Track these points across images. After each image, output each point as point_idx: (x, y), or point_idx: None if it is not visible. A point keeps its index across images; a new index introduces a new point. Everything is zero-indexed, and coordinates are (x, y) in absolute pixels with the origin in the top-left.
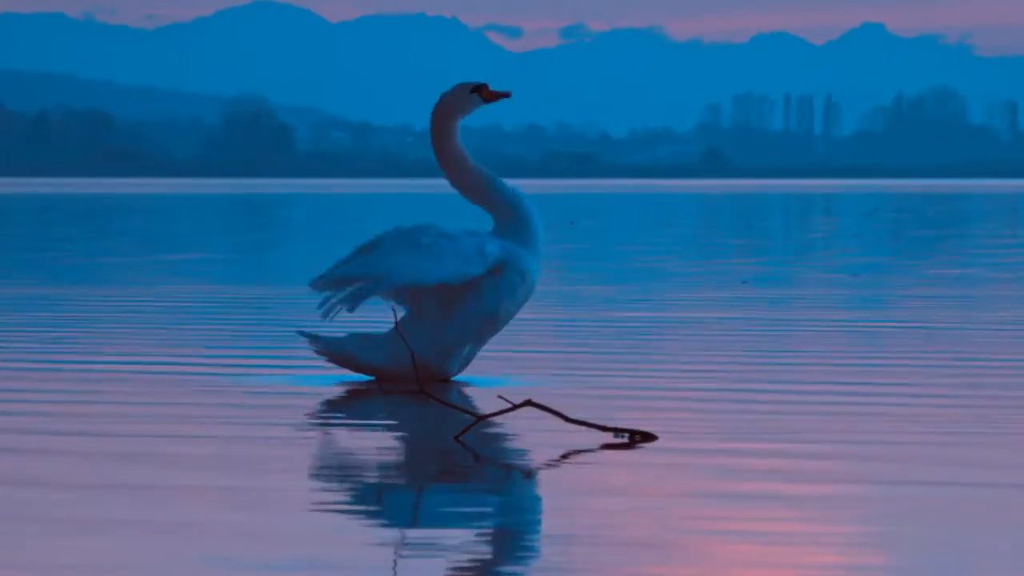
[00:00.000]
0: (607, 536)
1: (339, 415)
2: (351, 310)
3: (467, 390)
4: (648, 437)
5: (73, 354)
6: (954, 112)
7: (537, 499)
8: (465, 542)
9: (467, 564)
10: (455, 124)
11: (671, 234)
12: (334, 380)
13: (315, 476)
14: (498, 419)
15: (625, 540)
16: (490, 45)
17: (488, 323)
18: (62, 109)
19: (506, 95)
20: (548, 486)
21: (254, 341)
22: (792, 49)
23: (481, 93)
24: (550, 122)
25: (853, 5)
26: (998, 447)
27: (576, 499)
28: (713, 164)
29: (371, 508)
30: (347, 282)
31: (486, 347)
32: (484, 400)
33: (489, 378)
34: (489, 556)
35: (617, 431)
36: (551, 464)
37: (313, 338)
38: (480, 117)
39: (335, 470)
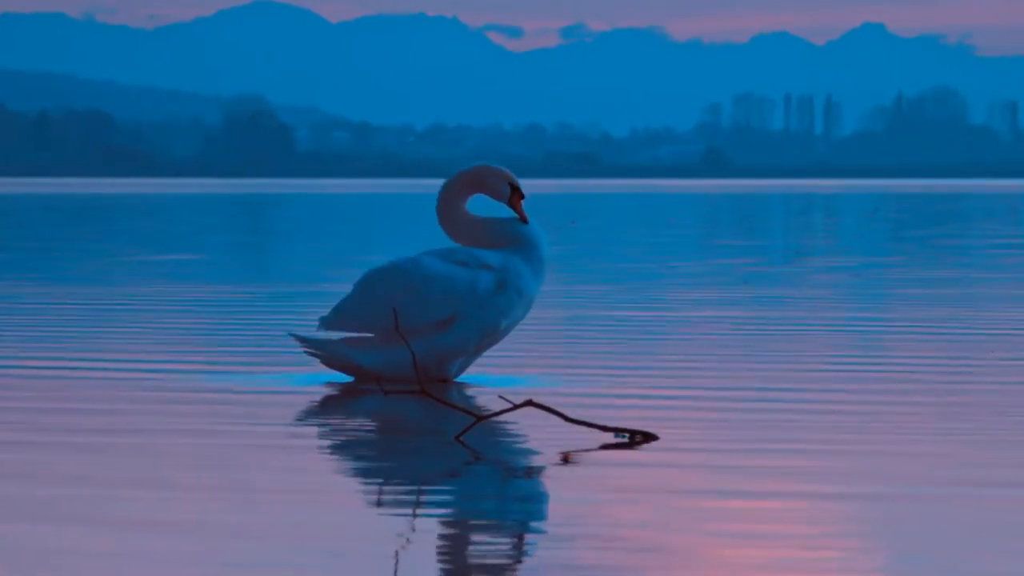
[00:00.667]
0: (607, 536)
1: (339, 415)
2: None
3: (467, 390)
4: (649, 437)
5: (73, 354)
6: (954, 112)
7: (538, 499)
8: (465, 542)
9: (467, 564)
10: (470, 196)
11: (671, 234)
12: (334, 380)
13: (315, 476)
14: (499, 419)
15: (625, 540)
16: (490, 45)
17: (486, 337)
18: (62, 109)
19: (523, 219)
20: (549, 486)
21: (254, 341)
22: (792, 49)
23: (514, 194)
24: (551, 122)
25: (853, 5)
26: (1001, 449)
27: (576, 499)
28: (713, 164)
29: (371, 508)
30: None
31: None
32: (484, 400)
33: (489, 378)
34: (489, 556)
35: (618, 431)
36: (551, 464)
37: (306, 340)
38: (480, 117)
39: (335, 470)
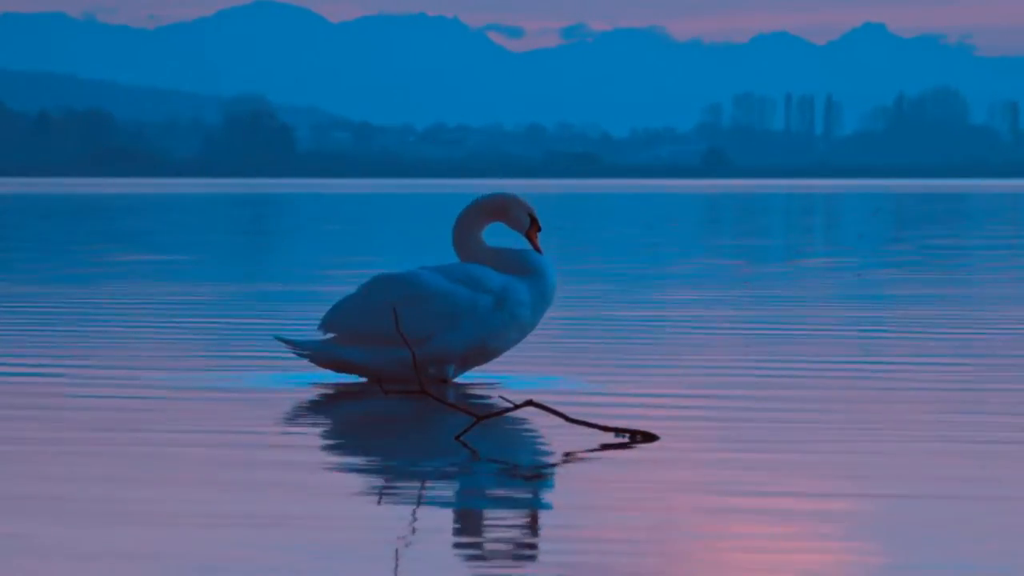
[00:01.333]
0: (607, 536)
1: (339, 414)
2: None
3: (467, 390)
4: (649, 437)
5: (70, 352)
6: (955, 112)
7: (538, 499)
8: (465, 542)
9: (467, 563)
10: (488, 223)
11: (672, 234)
12: (334, 380)
13: (315, 476)
14: (499, 419)
15: (625, 540)
16: (491, 45)
17: (470, 349)
18: (63, 109)
19: (538, 250)
20: (549, 486)
21: (254, 341)
22: (793, 49)
23: (532, 226)
24: (551, 122)
25: (854, 5)
26: (1001, 449)
27: (576, 499)
28: (714, 164)
29: (371, 508)
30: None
31: None
32: (485, 400)
33: (490, 378)
34: (489, 556)
35: (618, 431)
36: (552, 464)
37: (297, 343)
38: (481, 117)
39: (335, 469)
